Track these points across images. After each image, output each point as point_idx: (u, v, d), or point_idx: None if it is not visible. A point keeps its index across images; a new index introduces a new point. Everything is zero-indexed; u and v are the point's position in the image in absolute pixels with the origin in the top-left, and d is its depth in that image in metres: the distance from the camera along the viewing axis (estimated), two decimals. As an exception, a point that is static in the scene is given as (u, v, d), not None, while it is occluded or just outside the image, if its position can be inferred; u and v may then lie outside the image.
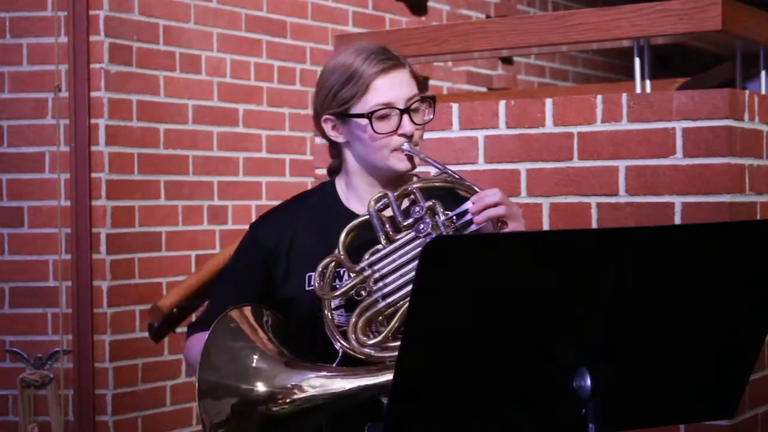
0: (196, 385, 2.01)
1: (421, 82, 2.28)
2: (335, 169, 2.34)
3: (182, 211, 4.51)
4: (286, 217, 2.30)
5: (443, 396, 1.72)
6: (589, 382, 1.71)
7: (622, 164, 3.14)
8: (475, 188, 2.14)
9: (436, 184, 2.19)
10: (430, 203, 2.13)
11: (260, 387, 2.03)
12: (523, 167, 3.27)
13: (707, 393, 1.87)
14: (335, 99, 2.21)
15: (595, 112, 3.18)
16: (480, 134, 3.34)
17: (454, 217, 2.11)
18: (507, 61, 6.24)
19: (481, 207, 2.08)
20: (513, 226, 2.09)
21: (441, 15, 5.90)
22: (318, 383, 2.04)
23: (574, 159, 3.20)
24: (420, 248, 2.06)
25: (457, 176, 2.17)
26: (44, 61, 4.24)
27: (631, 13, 3.32)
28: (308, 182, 4.88)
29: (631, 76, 3.43)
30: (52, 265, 4.22)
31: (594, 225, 3.16)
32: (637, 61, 3.37)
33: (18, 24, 4.25)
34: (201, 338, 2.25)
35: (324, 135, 2.27)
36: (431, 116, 2.26)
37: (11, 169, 4.25)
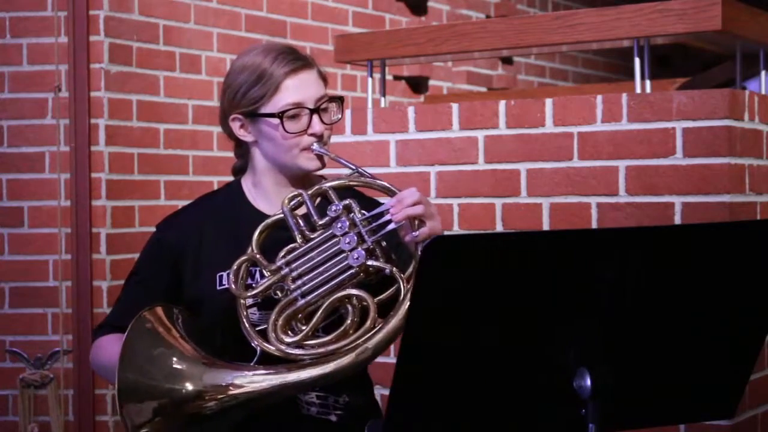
0: (116, 388, 2.00)
1: (328, 82, 2.29)
2: (240, 169, 2.34)
3: (182, 211, 4.51)
4: (193, 218, 2.30)
5: (443, 396, 1.72)
6: (589, 382, 1.71)
7: (622, 164, 3.14)
8: (391, 187, 2.14)
9: (350, 183, 2.19)
10: (346, 202, 2.13)
11: (186, 387, 2.04)
12: (523, 167, 3.28)
13: (707, 393, 1.87)
14: (244, 98, 2.21)
15: (595, 112, 3.18)
16: (480, 134, 3.34)
17: (371, 217, 2.10)
18: (507, 61, 6.24)
19: (400, 206, 2.08)
20: (430, 225, 2.08)
21: (441, 15, 5.90)
22: (241, 382, 2.04)
23: (574, 159, 3.20)
24: (336, 247, 2.08)
25: (369, 176, 2.17)
26: (44, 61, 4.24)
27: (631, 13, 3.32)
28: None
29: (631, 76, 3.43)
30: (52, 265, 4.22)
31: (594, 225, 3.16)
32: (637, 61, 3.37)
33: (18, 24, 4.25)
34: (108, 341, 2.27)
35: (231, 134, 2.27)
36: (340, 116, 2.27)
37: (11, 169, 4.24)
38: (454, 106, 3.39)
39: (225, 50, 4.73)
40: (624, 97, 3.15)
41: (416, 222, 2.08)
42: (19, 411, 4.05)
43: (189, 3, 4.57)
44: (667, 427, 1.92)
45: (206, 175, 4.60)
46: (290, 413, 2.19)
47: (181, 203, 4.51)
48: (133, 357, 2.04)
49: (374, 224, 2.09)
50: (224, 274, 2.20)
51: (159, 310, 2.14)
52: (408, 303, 1.98)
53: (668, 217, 3.06)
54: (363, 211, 2.11)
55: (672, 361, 1.81)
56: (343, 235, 2.09)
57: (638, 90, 3.35)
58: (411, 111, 3.47)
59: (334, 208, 2.12)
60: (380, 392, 2.45)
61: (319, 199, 2.21)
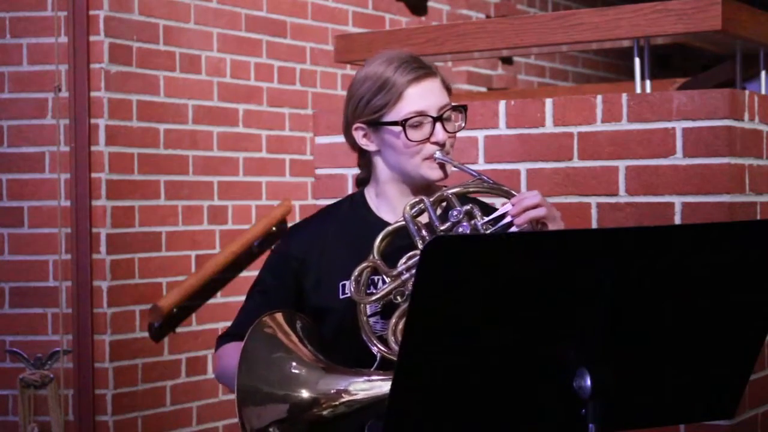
0: (236, 392, 1.99)
1: (451, 91, 2.29)
2: (363, 181, 2.34)
3: (182, 211, 4.51)
4: (316, 228, 2.31)
5: (443, 396, 1.72)
6: (589, 382, 1.71)
7: (622, 164, 3.14)
8: (513, 192, 2.15)
9: (472, 189, 2.20)
10: (467, 207, 2.14)
11: (304, 393, 2.03)
12: (523, 167, 3.28)
13: (707, 393, 1.87)
14: (367, 107, 2.21)
15: (595, 112, 3.18)
16: (480, 134, 3.34)
17: (492, 220, 2.11)
18: (507, 61, 6.24)
19: (522, 209, 2.08)
20: (552, 228, 2.09)
21: (441, 15, 5.90)
22: (361, 387, 2.04)
23: (574, 159, 3.20)
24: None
25: (492, 181, 2.18)
26: (44, 61, 4.24)
27: (631, 13, 3.32)
28: (308, 182, 4.88)
29: (631, 76, 3.43)
30: (52, 265, 4.22)
31: (594, 225, 3.16)
32: (637, 61, 3.37)
33: (18, 24, 4.25)
34: (231, 348, 2.24)
35: (354, 144, 2.28)
36: (463, 124, 2.27)
37: (11, 169, 4.25)
38: (454, 106, 3.38)
39: (225, 50, 4.73)
40: (624, 97, 3.15)
41: (538, 225, 2.09)
42: (19, 411, 4.05)
43: (189, 3, 4.57)
44: (667, 427, 1.92)
45: (206, 175, 4.60)
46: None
47: (182, 203, 4.55)
48: (251, 361, 2.03)
49: (496, 227, 2.09)
50: (347, 282, 2.19)
51: (279, 315, 2.13)
52: None
53: (668, 217, 3.06)
54: (484, 216, 2.11)
55: (672, 361, 1.81)
56: None
57: (638, 90, 3.35)
58: (411, 111, 3.47)
59: (455, 213, 2.13)
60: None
61: (440, 207, 2.21)
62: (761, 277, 1.78)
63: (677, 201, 3.06)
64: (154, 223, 4.38)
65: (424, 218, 2.18)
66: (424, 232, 2.14)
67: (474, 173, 2.18)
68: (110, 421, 4.21)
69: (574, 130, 3.21)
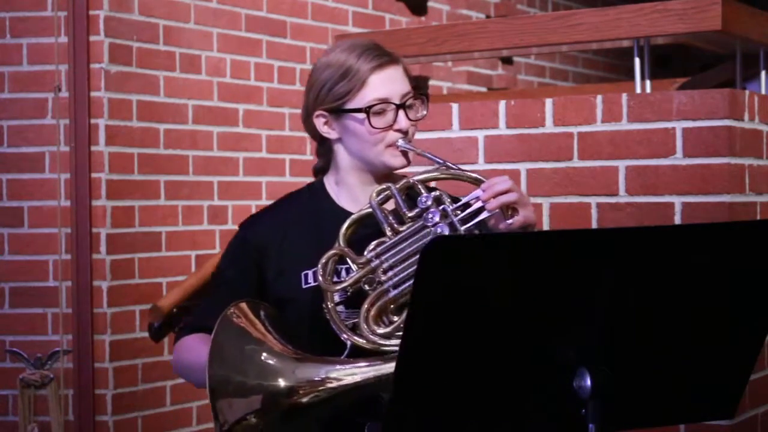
0: (208, 384, 1.99)
1: (413, 80, 2.29)
2: (321, 169, 2.33)
3: (182, 211, 4.51)
4: (277, 217, 2.30)
5: (443, 396, 1.72)
6: (589, 382, 1.71)
7: (622, 164, 3.14)
8: (480, 178, 2.14)
9: (438, 175, 2.19)
10: (436, 193, 2.13)
11: (277, 382, 2.02)
12: (523, 167, 3.28)
13: (707, 393, 1.87)
14: (329, 94, 2.20)
15: (595, 112, 3.18)
16: (480, 134, 3.34)
17: (462, 206, 2.10)
18: (507, 61, 6.24)
19: (493, 193, 2.08)
20: (524, 213, 2.09)
21: (441, 15, 5.90)
22: (335, 375, 2.03)
23: (574, 159, 3.20)
24: (429, 237, 2.07)
25: (457, 168, 2.17)
26: (44, 61, 4.24)
27: (631, 13, 3.32)
28: (308, 182, 4.87)
29: (631, 76, 3.43)
30: (52, 265, 4.22)
31: (594, 225, 3.16)
32: (637, 61, 3.37)
33: (18, 24, 4.25)
34: (192, 341, 2.24)
35: (314, 132, 2.27)
36: (425, 112, 2.26)
37: (11, 169, 4.24)
38: (454, 106, 3.39)
39: (225, 50, 4.73)
40: (624, 97, 3.15)
41: (509, 210, 2.08)
42: (19, 411, 4.05)
43: (189, 3, 4.57)
44: (667, 427, 1.92)
45: (206, 175, 4.60)
46: (374, 412, 2.17)
47: (182, 203, 4.55)
48: (223, 353, 2.02)
49: (466, 213, 2.09)
50: (309, 272, 2.19)
51: (244, 305, 2.12)
52: None
53: (668, 217, 3.06)
54: (453, 202, 2.11)
55: (672, 361, 1.81)
56: (434, 226, 2.08)
57: (638, 90, 3.36)
58: (411, 111, 3.47)
59: (424, 199, 2.12)
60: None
61: (405, 194, 2.20)
62: (761, 277, 1.78)
63: (677, 201, 3.06)
64: (154, 223, 4.38)
65: (389, 205, 2.17)
66: (391, 219, 2.13)
67: (438, 160, 2.17)
68: (110, 421, 4.21)
69: (574, 130, 3.21)
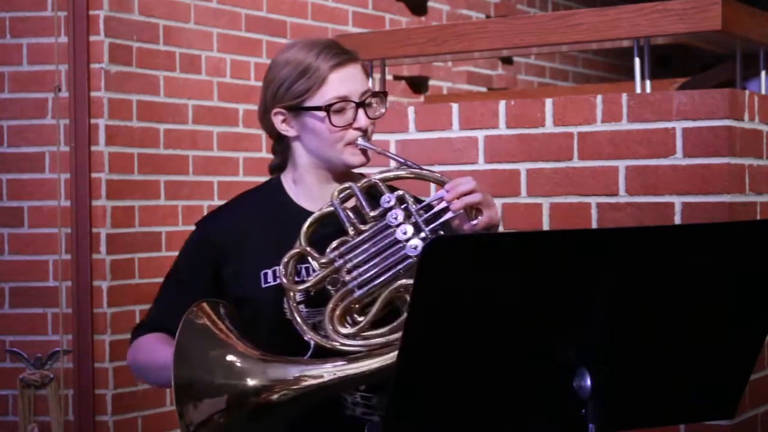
0: (173, 386, 1.98)
1: (369, 77, 2.28)
2: (278, 167, 2.31)
3: (182, 211, 4.51)
4: (233, 215, 2.27)
5: (443, 396, 1.72)
6: (589, 382, 1.71)
7: (622, 164, 3.14)
8: (442, 178, 2.13)
9: (400, 174, 2.17)
10: (399, 193, 2.11)
11: (243, 383, 2.01)
12: (523, 167, 3.28)
13: (707, 393, 1.87)
14: (288, 92, 2.19)
15: (595, 112, 3.18)
16: (480, 134, 3.34)
17: (426, 206, 2.09)
18: (507, 61, 6.24)
19: (457, 194, 2.07)
20: (488, 214, 2.08)
21: (441, 15, 5.90)
22: (301, 375, 2.02)
23: (574, 159, 3.21)
24: (392, 237, 2.06)
25: (418, 167, 2.16)
26: (44, 61, 4.24)
27: (631, 13, 3.32)
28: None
29: (631, 76, 3.43)
30: (52, 265, 4.22)
31: (594, 225, 3.16)
32: (637, 61, 3.37)
33: (18, 24, 4.25)
34: (149, 341, 2.24)
35: (271, 130, 2.25)
36: (384, 110, 2.25)
37: (11, 169, 4.24)
38: (454, 106, 3.39)
39: (225, 50, 4.73)
40: (624, 97, 3.15)
41: (473, 210, 2.07)
42: (19, 411, 4.05)
43: (189, 3, 4.57)
44: (667, 427, 1.92)
45: (206, 175, 4.60)
46: (335, 415, 2.16)
47: (182, 203, 4.55)
48: (187, 354, 2.01)
49: (430, 213, 2.08)
50: (269, 271, 2.18)
51: (206, 306, 2.10)
52: None
53: (668, 217, 3.06)
54: (416, 202, 2.10)
55: (672, 361, 1.81)
56: (397, 226, 2.07)
57: (638, 90, 3.36)
58: (411, 111, 3.47)
59: (387, 198, 2.10)
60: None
61: (366, 193, 2.18)
62: (761, 277, 1.78)
63: (677, 201, 3.06)
64: (154, 223, 4.38)
65: (349, 204, 2.16)
66: (354, 219, 2.12)
67: (399, 159, 2.17)
68: (110, 421, 4.21)
69: (574, 130, 3.21)
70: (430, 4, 5.82)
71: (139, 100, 4.36)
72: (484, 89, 6.01)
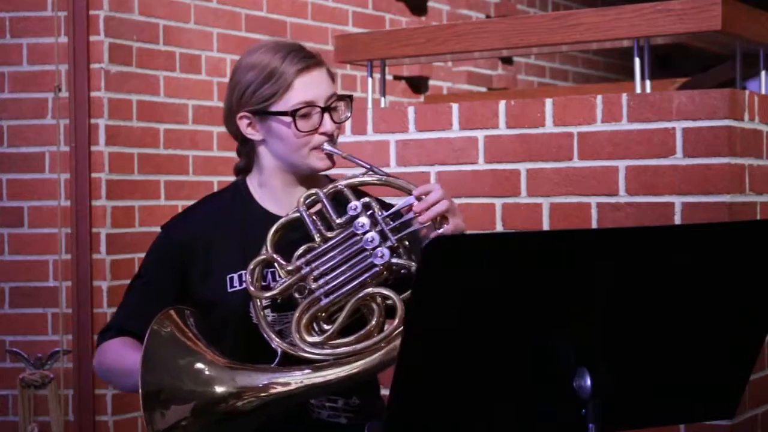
0: (140, 393, 1.97)
1: (335, 80, 2.27)
2: (243, 169, 2.31)
3: (182, 211, 4.51)
4: (199, 218, 2.27)
5: (443, 396, 1.72)
6: (589, 382, 1.71)
7: (622, 164, 3.14)
8: (407, 185, 2.12)
9: (365, 180, 2.17)
10: (366, 200, 2.11)
11: (210, 390, 2.01)
12: (523, 167, 3.28)
13: (707, 393, 1.87)
14: (254, 96, 2.18)
15: (595, 112, 3.18)
16: (480, 134, 3.34)
17: (392, 214, 2.09)
18: (507, 61, 6.24)
19: (426, 205, 2.06)
20: (454, 222, 2.07)
21: (441, 15, 5.90)
22: (267, 383, 2.02)
23: (574, 159, 3.21)
24: (359, 245, 2.06)
25: (384, 174, 2.15)
26: (44, 61, 4.24)
27: (631, 13, 3.32)
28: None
29: (631, 76, 3.43)
30: (52, 265, 4.22)
31: (594, 225, 3.16)
32: (637, 61, 3.37)
33: (18, 24, 4.25)
34: (115, 345, 2.22)
35: (236, 132, 2.25)
36: (349, 114, 2.25)
37: (11, 169, 4.24)
38: (454, 106, 3.39)
39: (225, 50, 4.73)
40: (624, 97, 3.15)
41: (438, 219, 2.07)
42: (19, 411, 4.05)
43: (189, 3, 4.57)
44: (667, 427, 1.92)
45: (206, 175, 4.60)
46: (301, 418, 2.17)
47: (181, 203, 4.54)
48: (155, 362, 2.00)
49: (397, 222, 2.08)
50: (234, 275, 2.17)
51: (173, 313, 2.10)
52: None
53: (668, 217, 3.06)
54: (383, 210, 2.10)
55: (672, 361, 1.81)
56: (364, 234, 2.07)
57: (638, 90, 3.35)
58: (411, 111, 3.48)
59: (353, 206, 2.10)
60: (385, 393, 2.45)
61: (332, 199, 2.18)
62: (761, 277, 1.78)
63: (677, 201, 3.06)
64: (154, 223, 4.38)
65: (315, 209, 2.16)
66: (320, 225, 2.11)
67: (365, 165, 2.15)
68: (110, 421, 4.21)
69: (574, 130, 3.21)
70: (430, 4, 5.82)
71: (139, 100, 4.36)
72: (484, 89, 6.01)
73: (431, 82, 5.75)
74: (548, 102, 3.25)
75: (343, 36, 3.91)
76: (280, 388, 2.02)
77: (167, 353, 2.03)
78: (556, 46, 3.65)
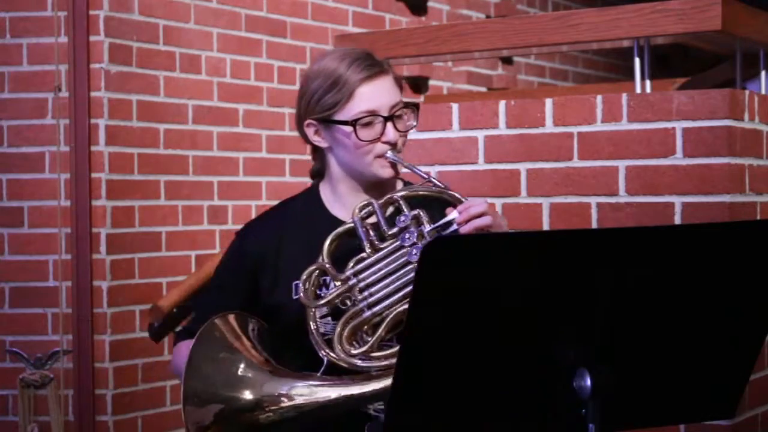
0: (182, 392, 2.00)
1: (403, 87, 2.28)
2: (318, 172, 2.33)
3: (182, 211, 4.51)
4: (273, 224, 2.29)
5: (443, 396, 1.72)
6: (589, 382, 1.71)
7: (622, 164, 3.14)
8: (461, 198, 2.14)
9: (421, 192, 2.18)
10: (415, 212, 2.13)
11: (246, 395, 2.03)
12: (523, 167, 3.27)
13: (707, 393, 1.87)
14: (318, 104, 2.20)
15: (595, 112, 3.18)
16: (480, 134, 3.34)
17: (438, 227, 2.10)
18: (507, 61, 6.24)
19: (468, 217, 2.08)
20: None
21: (441, 15, 5.90)
22: (304, 392, 2.04)
23: (574, 159, 3.20)
24: (404, 258, 2.08)
25: (441, 185, 2.17)
26: (44, 61, 4.24)
27: (631, 13, 3.32)
28: (308, 182, 4.87)
29: (631, 76, 3.43)
30: (52, 265, 4.22)
31: (594, 225, 3.16)
32: (637, 61, 3.37)
33: (18, 24, 4.25)
34: (184, 346, 2.24)
35: (307, 139, 2.27)
36: (415, 123, 2.25)
37: (11, 169, 4.25)
38: (454, 106, 3.39)
39: (225, 50, 4.73)
40: (624, 97, 3.15)
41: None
42: (19, 411, 4.05)
43: (189, 3, 4.57)
44: (667, 427, 1.92)
45: (206, 175, 4.60)
46: (360, 423, 2.16)
47: (181, 203, 4.55)
48: (198, 362, 2.03)
49: (442, 234, 2.08)
50: (299, 283, 2.18)
51: (231, 317, 2.13)
52: None
53: (668, 217, 3.06)
54: (431, 222, 2.10)
55: (672, 361, 1.81)
56: (411, 246, 2.08)
57: (638, 90, 3.36)
58: (411, 111, 3.47)
59: (402, 218, 2.12)
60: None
61: (391, 209, 2.20)
62: (761, 277, 1.78)
63: (677, 201, 3.06)
64: (154, 223, 4.38)
65: (373, 219, 2.17)
66: (372, 236, 2.13)
67: (424, 175, 2.17)
68: (110, 421, 4.21)
69: (574, 130, 3.21)
70: (430, 4, 5.82)
71: (139, 100, 4.36)
72: (484, 89, 6.01)
73: (431, 82, 5.75)
74: (548, 102, 3.25)
75: (343, 36, 3.91)
76: (312, 397, 2.03)
77: (210, 355, 2.06)
78: (556, 46, 3.65)
